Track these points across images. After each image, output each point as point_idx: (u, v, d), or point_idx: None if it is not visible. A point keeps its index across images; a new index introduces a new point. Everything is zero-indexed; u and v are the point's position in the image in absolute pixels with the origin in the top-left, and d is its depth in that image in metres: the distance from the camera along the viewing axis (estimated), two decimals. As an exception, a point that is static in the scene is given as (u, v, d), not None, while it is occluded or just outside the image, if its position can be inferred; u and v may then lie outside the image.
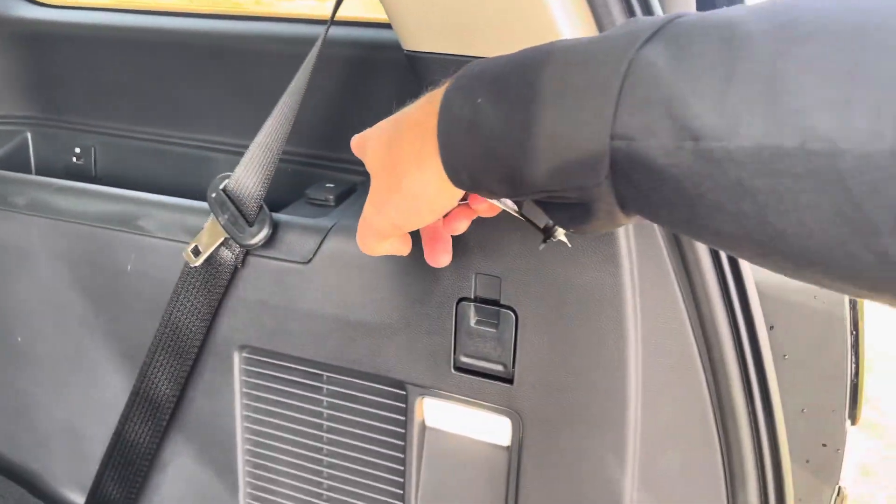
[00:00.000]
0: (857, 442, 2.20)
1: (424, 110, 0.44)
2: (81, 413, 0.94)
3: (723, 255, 0.59)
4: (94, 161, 1.11)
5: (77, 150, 1.12)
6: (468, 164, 0.41)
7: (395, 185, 0.46)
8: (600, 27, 0.54)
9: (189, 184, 1.04)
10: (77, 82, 1.11)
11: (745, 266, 0.60)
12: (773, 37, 0.31)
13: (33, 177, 0.96)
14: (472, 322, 0.67)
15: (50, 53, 1.12)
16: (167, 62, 1.03)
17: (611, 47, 0.36)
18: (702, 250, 0.58)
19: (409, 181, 0.45)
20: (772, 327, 0.75)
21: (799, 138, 0.29)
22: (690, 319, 0.60)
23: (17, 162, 1.14)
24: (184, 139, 1.04)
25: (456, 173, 0.42)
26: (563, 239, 0.53)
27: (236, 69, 0.98)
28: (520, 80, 0.39)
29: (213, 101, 1.01)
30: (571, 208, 0.40)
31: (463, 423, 0.72)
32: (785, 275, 0.34)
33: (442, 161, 0.42)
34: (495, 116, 0.39)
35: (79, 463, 0.95)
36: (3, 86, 1.16)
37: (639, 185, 0.35)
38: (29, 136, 1.17)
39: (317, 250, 0.73)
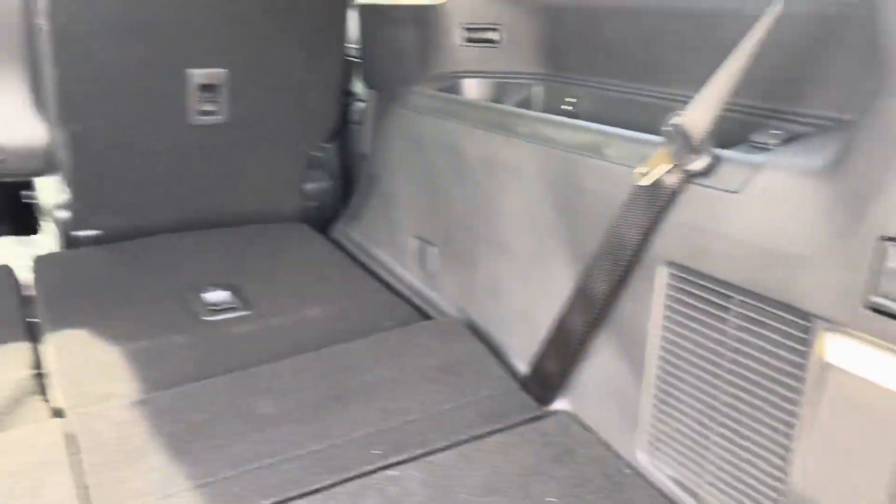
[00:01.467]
0: None
1: None
2: (535, 300, 1.19)
3: None
4: (580, 109, 1.34)
5: (568, 99, 1.37)
6: None
7: None
8: None
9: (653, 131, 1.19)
10: (575, 45, 1.35)
11: None
12: None
13: (532, 112, 1.22)
14: (893, 262, 0.67)
15: (560, 22, 1.38)
16: (651, 26, 1.18)
17: None
18: None
19: None
20: None
21: None
22: None
23: (526, 108, 1.44)
24: (655, 92, 1.19)
25: None
26: None
27: (715, 32, 1.08)
28: None
29: (686, 59, 1.13)
30: None
31: (870, 367, 0.71)
32: None
33: None
34: None
35: (528, 340, 1.20)
36: (527, 50, 1.46)
37: None
38: (536, 89, 1.46)
39: (748, 181, 0.80)
